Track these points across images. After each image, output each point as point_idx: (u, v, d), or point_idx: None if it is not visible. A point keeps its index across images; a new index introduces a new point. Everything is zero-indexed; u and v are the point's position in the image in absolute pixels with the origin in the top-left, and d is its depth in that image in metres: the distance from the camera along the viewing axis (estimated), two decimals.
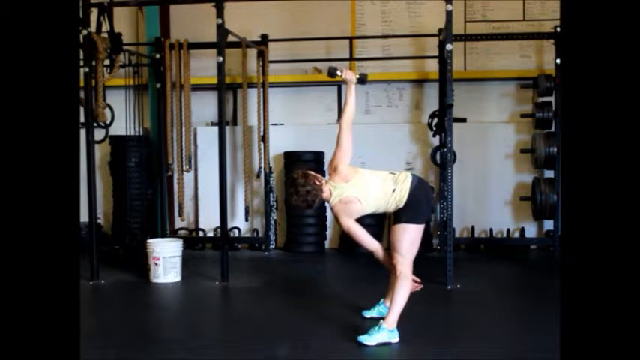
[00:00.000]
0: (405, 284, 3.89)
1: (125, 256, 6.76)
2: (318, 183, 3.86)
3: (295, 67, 7.31)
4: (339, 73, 4.10)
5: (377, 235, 4.09)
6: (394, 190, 3.90)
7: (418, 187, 3.96)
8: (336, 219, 3.95)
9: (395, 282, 3.94)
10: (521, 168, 7.03)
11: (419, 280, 4.11)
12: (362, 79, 4.13)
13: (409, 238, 3.90)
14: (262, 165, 7.03)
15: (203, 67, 6.96)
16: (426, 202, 4.03)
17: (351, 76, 4.09)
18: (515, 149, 7.00)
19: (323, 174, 7.01)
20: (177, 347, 3.96)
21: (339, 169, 3.91)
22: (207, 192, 7.08)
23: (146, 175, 7.11)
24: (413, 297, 3.99)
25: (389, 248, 4.03)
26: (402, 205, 3.91)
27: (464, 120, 6.97)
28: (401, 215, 3.92)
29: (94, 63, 5.57)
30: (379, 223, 5.65)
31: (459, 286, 5.25)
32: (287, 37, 7.11)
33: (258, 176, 7.13)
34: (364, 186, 3.91)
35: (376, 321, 3.97)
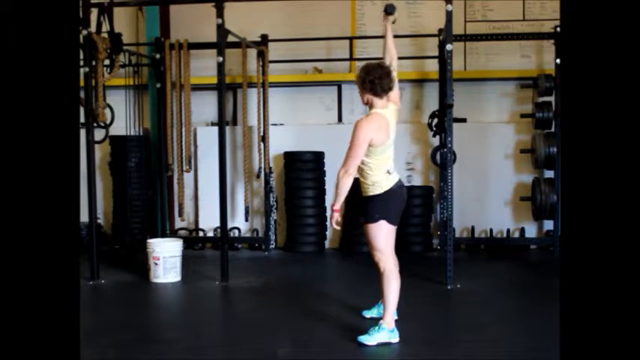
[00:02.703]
0: (392, 279, 3.91)
1: (125, 256, 6.76)
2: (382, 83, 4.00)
3: (295, 67, 7.31)
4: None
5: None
6: (389, 172, 3.93)
7: (401, 188, 3.99)
8: (355, 132, 3.83)
9: (382, 280, 3.95)
10: (521, 168, 7.02)
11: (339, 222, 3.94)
12: (388, 10, 4.62)
13: (383, 233, 3.91)
14: (262, 165, 7.03)
15: (203, 67, 6.96)
16: (399, 205, 4.00)
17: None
18: (515, 149, 6.99)
19: (323, 174, 7.04)
20: (178, 347, 3.97)
21: (395, 101, 4.22)
22: (207, 192, 7.08)
23: (146, 175, 7.10)
24: (413, 297, 3.99)
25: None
26: (375, 192, 3.90)
27: (464, 120, 6.96)
28: (374, 212, 3.91)
29: (94, 63, 5.58)
30: None
31: (459, 286, 5.25)
32: (287, 37, 7.10)
33: (258, 176, 7.13)
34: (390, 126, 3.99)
35: (376, 321, 3.98)
